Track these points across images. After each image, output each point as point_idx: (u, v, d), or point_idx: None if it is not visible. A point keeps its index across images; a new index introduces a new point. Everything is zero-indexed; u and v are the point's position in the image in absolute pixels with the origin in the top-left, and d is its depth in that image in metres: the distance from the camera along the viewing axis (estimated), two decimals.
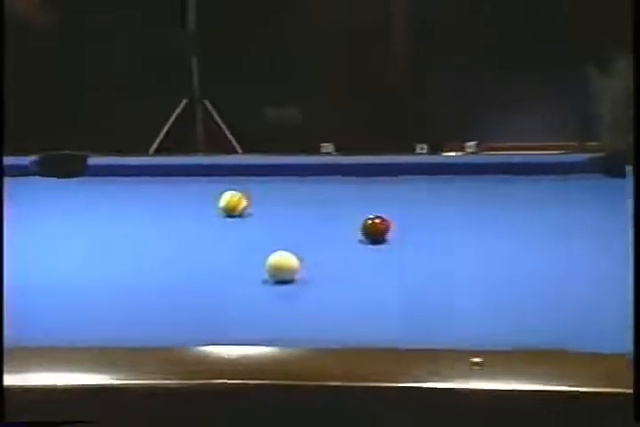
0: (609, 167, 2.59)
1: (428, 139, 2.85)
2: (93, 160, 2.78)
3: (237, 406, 1.23)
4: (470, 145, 2.64)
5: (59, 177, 2.65)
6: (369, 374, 1.25)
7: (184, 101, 4.77)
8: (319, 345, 1.33)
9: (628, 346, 1.25)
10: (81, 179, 2.72)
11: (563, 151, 3.37)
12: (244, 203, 2.34)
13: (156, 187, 2.64)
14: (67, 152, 2.69)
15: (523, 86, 4.40)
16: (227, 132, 4.73)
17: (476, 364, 1.23)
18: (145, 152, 4.55)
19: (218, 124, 4.73)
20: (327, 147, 2.70)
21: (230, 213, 2.34)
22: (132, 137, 4.53)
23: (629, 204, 2.19)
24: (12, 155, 2.52)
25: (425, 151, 2.66)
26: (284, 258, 1.84)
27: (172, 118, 4.75)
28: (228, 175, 2.66)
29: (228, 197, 2.34)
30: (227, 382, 1.23)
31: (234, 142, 4.72)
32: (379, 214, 2.12)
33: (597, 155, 2.67)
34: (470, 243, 2.08)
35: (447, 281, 1.83)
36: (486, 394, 1.21)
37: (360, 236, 2.10)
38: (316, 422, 1.23)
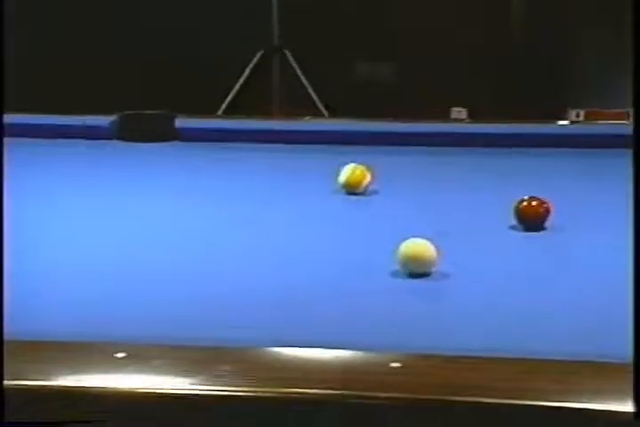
0: None
1: (580, 104, 2.80)
2: (182, 122, 2.78)
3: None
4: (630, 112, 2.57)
5: (142, 141, 2.65)
6: (524, 390, 1.23)
7: (260, 52, 4.78)
8: (462, 353, 1.31)
9: None
10: (168, 144, 2.73)
11: None
12: (368, 178, 2.33)
13: (260, 156, 2.63)
14: (151, 112, 2.69)
15: None
16: (310, 90, 4.72)
17: None
18: (214, 111, 4.58)
19: (300, 81, 4.72)
20: (460, 112, 2.66)
21: (352, 189, 2.33)
22: (200, 94, 4.55)
23: None
24: (87, 114, 2.54)
25: (581, 119, 2.60)
26: (419, 246, 1.82)
27: (247, 72, 4.76)
28: (340, 144, 2.64)
29: (350, 171, 2.33)
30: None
31: (317, 103, 4.71)
32: (534, 195, 2.09)
33: None
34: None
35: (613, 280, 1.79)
36: None
37: (512, 221, 2.07)
38: None
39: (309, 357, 1.34)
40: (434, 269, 1.80)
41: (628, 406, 1.18)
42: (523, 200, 2.09)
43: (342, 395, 1.23)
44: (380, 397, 1.22)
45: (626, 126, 2.65)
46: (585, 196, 2.31)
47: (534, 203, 2.09)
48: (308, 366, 1.32)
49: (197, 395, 1.23)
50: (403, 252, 1.81)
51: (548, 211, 2.08)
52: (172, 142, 2.73)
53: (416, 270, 1.80)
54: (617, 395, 1.21)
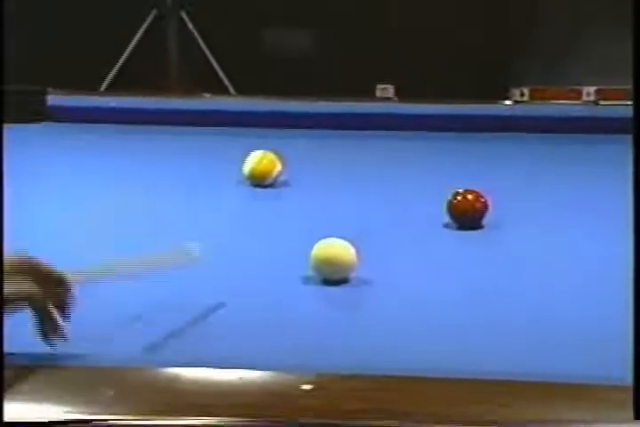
0: None
1: (526, 82, 2.85)
2: (57, 99, 2.77)
3: None
4: (589, 91, 2.63)
5: (7, 122, 2.62)
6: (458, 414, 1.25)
7: (153, 13, 4.75)
8: (385, 372, 1.32)
9: None
10: (39, 125, 2.72)
11: None
12: (277, 167, 2.36)
13: (152, 140, 2.64)
14: (19, 87, 2.66)
15: None
16: (213, 61, 4.72)
17: None
18: (100, 82, 4.55)
19: (201, 50, 4.72)
20: (385, 90, 2.69)
21: (259, 180, 2.35)
22: (79, 66, 4.52)
23: None
24: None
25: (526, 99, 2.66)
26: (336, 248, 1.84)
27: (138, 35, 4.73)
28: (246, 126, 2.66)
29: (257, 160, 2.35)
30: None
31: (222, 76, 4.72)
32: (470, 188, 2.13)
33: None
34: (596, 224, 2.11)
35: (579, 282, 1.84)
36: None
37: (445, 217, 2.12)
38: None
39: (208, 378, 1.35)
40: (353, 275, 1.83)
41: None
42: (457, 193, 2.13)
43: (249, 423, 1.25)
44: (294, 423, 1.24)
45: (581, 107, 2.72)
46: (531, 188, 2.37)
47: (470, 197, 2.13)
48: (208, 390, 1.32)
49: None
50: (316, 254, 1.83)
51: (485, 206, 2.12)
52: (43, 124, 2.72)
53: (332, 276, 1.82)
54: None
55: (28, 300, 1.38)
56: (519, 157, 2.57)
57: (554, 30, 4.50)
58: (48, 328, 1.41)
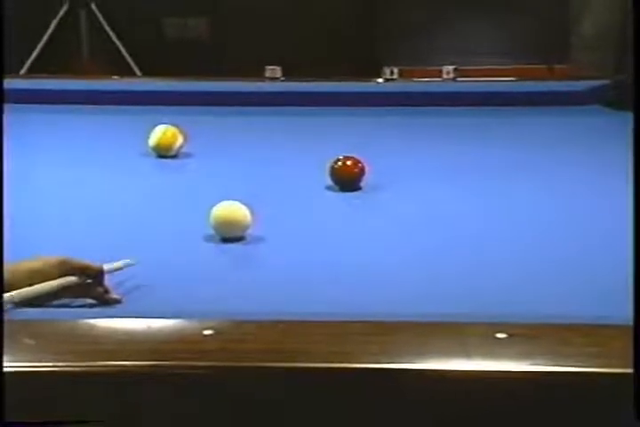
0: (612, 98, 2.64)
1: (397, 62, 2.85)
2: None
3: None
4: (449, 70, 2.64)
5: None
6: (338, 353, 1.25)
7: (65, 7, 4.67)
8: (277, 317, 1.32)
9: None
10: None
11: (552, 78, 3.41)
12: (179, 140, 2.33)
13: (68, 119, 2.58)
14: None
15: None
16: (121, 47, 4.65)
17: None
18: (16, 72, 4.45)
19: (109, 37, 4.64)
20: (274, 70, 2.68)
21: (163, 152, 2.32)
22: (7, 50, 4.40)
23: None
24: None
25: (395, 77, 2.66)
26: (231, 209, 1.84)
27: (53, 24, 4.64)
28: (151, 104, 2.62)
29: (161, 133, 2.32)
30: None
31: (129, 60, 4.65)
32: (349, 155, 2.13)
33: (599, 82, 2.72)
34: (450, 187, 2.14)
35: (439, 236, 1.86)
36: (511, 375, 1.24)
37: (328, 181, 2.12)
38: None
39: (120, 327, 1.34)
40: (247, 233, 1.82)
41: (456, 363, 1.24)
42: (338, 160, 2.14)
43: (156, 366, 1.24)
44: (196, 366, 1.24)
45: (438, 83, 2.73)
46: (402, 154, 2.38)
47: (349, 162, 2.14)
48: (120, 337, 1.31)
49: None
50: (214, 215, 1.82)
51: (362, 170, 2.13)
52: None
53: (229, 234, 1.82)
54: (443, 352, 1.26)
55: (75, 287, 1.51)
56: (392, 128, 2.58)
57: (419, 16, 4.52)
58: (101, 298, 1.53)
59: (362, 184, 2.13)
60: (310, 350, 1.26)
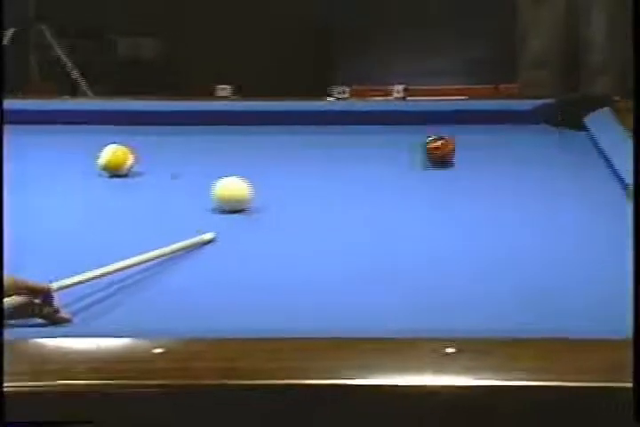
0: (562, 116, 2.67)
1: (345, 82, 2.87)
2: None
3: None
4: (399, 89, 2.66)
5: None
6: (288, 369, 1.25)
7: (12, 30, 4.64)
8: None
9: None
10: None
11: (500, 97, 3.44)
12: (130, 159, 2.33)
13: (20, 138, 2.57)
14: None
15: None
16: (70, 67, 4.63)
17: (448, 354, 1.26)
18: None
19: (60, 59, 4.62)
20: (224, 90, 2.68)
21: (114, 171, 2.32)
22: None
23: (598, 161, 2.34)
24: None
25: (346, 96, 2.68)
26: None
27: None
28: (101, 124, 2.62)
29: (111, 153, 2.31)
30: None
31: (78, 80, 4.63)
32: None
33: (546, 101, 2.75)
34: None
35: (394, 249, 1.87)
36: (460, 390, 1.25)
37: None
38: None
39: (69, 347, 1.33)
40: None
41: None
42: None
43: (108, 385, 1.23)
44: (148, 384, 1.23)
45: (387, 102, 2.75)
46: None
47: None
48: (70, 357, 1.30)
49: None
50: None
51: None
52: None
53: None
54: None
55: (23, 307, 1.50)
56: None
57: (375, 35, 4.55)
58: (50, 317, 1.51)
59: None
60: (263, 368, 1.26)
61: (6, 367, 1.24)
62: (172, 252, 1.78)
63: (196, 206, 2.08)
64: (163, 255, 1.76)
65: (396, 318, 1.51)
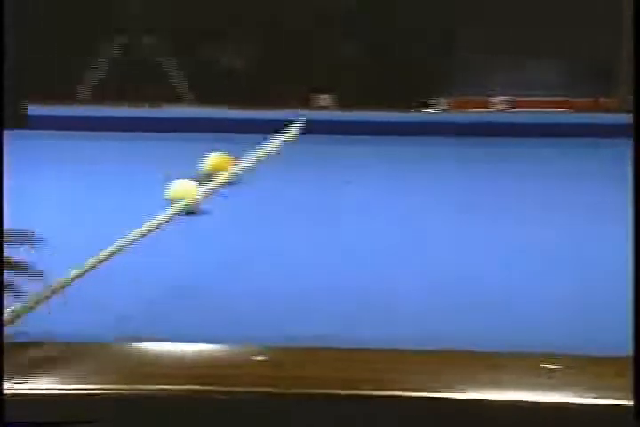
0: None
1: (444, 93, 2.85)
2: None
3: None
4: (502, 100, 2.63)
5: None
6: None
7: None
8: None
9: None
10: None
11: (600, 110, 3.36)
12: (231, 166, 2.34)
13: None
14: None
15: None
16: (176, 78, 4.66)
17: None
18: None
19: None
20: (324, 99, 2.69)
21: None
22: None
23: None
24: None
25: (446, 107, 2.66)
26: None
27: None
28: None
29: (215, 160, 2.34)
30: None
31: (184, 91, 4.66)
32: None
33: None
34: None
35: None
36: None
37: None
38: None
39: (171, 352, 1.33)
40: None
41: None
42: None
43: (210, 390, 1.22)
44: (249, 391, 1.22)
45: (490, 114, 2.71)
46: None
47: None
48: (173, 362, 1.30)
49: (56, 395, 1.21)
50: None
51: None
52: None
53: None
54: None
55: None
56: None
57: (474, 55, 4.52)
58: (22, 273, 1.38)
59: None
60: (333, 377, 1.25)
61: (106, 371, 1.26)
62: None
63: None
64: None
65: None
